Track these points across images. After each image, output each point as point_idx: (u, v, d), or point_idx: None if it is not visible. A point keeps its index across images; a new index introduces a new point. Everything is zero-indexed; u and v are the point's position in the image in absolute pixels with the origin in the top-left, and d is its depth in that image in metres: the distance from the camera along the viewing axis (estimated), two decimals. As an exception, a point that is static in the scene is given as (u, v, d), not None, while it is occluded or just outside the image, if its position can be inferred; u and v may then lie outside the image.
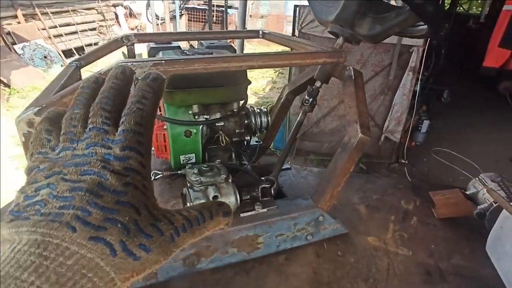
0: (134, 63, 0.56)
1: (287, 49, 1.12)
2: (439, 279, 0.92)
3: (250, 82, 0.93)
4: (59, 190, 0.23)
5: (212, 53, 0.93)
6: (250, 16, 8.63)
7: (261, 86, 6.16)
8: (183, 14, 7.11)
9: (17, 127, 0.55)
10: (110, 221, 0.23)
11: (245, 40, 3.35)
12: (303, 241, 0.98)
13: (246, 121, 1.06)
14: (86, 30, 8.21)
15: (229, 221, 0.31)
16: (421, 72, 2.86)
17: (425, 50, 2.69)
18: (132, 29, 8.38)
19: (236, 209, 0.86)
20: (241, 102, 1.01)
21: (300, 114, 1.07)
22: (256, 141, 1.26)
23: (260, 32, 1.11)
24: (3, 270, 0.19)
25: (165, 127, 0.94)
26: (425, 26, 0.88)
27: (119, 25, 8.41)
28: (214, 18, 6.40)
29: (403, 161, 3.61)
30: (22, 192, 0.24)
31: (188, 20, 7.29)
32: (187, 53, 0.92)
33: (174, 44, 1.11)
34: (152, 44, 1.07)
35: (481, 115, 4.95)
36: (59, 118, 0.27)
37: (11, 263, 0.20)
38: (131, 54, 1.04)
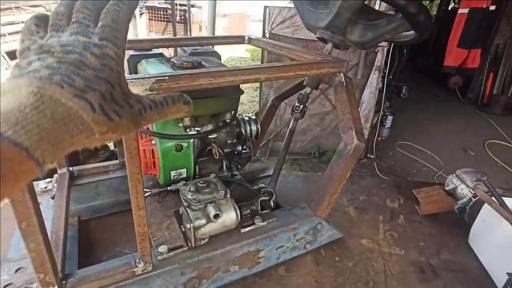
0: (133, 80, 0.50)
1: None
2: (433, 275, 0.96)
3: (242, 92, 0.90)
4: (48, 62, 0.28)
5: (200, 61, 0.88)
6: (213, 15, 8.49)
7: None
8: (143, 13, 6.79)
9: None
10: (90, 88, 0.28)
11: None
12: (301, 250, 0.97)
13: (237, 130, 1.02)
14: (18, 32, 7.53)
15: (189, 109, 0.38)
16: (387, 71, 3.00)
17: (390, 50, 2.83)
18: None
19: (236, 225, 0.82)
20: (233, 113, 0.97)
21: (292, 121, 1.06)
22: (244, 149, 1.22)
23: (246, 37, 1.07)
24: (9, 105, 0.24)
25: (153, 142, 0.87)
26: (412, 32, 0.91)
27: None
28: (178, 17, 6.19)
29: (372, 156, 3.78)
30: (16, 66, 0.29)
31: (149, 19, 6.98)
32: (175, 62, 0.86)
33: (155, 51, 1.04)
34: (131, 52, 0.99)
35: (436, 108, 5.34)
36: (46, 18, 0.33)
37: (16, 103, 0.24)
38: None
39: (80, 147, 0.29)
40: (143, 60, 0.91)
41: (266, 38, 2.58)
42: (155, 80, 0.51)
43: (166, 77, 0.52)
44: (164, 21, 7.10)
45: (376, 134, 3.64)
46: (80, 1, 0.32)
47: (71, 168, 1.04)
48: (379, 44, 2.94)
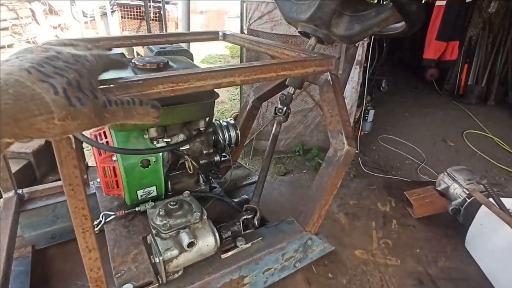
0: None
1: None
2: (432, 287, 0.88)
3: (217, 96, 0.78)
4: (24, 59, 0.32)
5: (167, 62, 0.76)
6: (189, 11, 8.23)
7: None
8: (115, 10, 6.47)
9: None
10: (57, 74, 0.32)
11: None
12: (291, 269, 0.87)
13: (214, 137, 0.90)
14: None
15: (158, 115, 0.40)
16: (368, 65, 2.96)
17: (370, 44, 2.78)
18: (55, 27, 7.40)
19: (215, 250, 0.71)
20: (207, 119, 0.85)
21: (275, 125, 0.96)
22: (224, 156, 1.11)
23: (220, 33, 0.96)
24: None
25: (114, 158, 0.75)
26: (402, 24, 0.82)
27: (38, 23, 7.35)
28: (152, 14, 5.92)
29: (356, 151, 3.74)
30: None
31: (122, 17, 6.66)
32: (136, 63, 0.73)
33: (116, 51, 0.90)
34: (85, 52, 0.85)
35: (414, 100, 5.41)
36: None
37: None
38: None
39: (40, 134, 0.30)
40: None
41: (244, 34, 2.46)
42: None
43: (112, 85, 0.39)
44: (138, 18, 6.79)
45: (360, 129, 3.62)
46: None
47: (20, 191, 0.89)
48: (359, 38, 2.89)
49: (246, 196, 1.03)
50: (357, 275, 0.91)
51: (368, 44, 2.86)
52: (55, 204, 0.94)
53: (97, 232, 0.80)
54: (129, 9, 6.90)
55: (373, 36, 2.68)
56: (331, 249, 0.96)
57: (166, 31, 6.45)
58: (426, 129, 4.50)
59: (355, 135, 3.58)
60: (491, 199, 0.92)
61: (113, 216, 0.81)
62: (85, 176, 0.97)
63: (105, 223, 0.81)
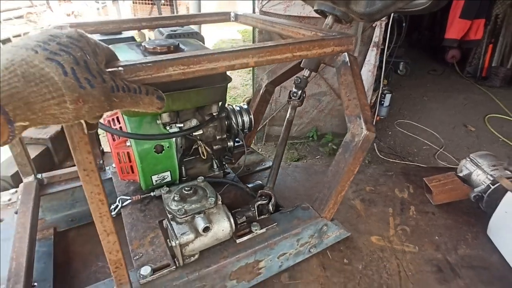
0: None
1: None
2: (452, 274, 0.86)
3: (230, 79, 0.76)
4: (28, 39, 0.32)
5: (177, 44, 0.74)
6: (200, -5, 8.09)
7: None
8: (125, -5, 6.44)
9: None
10: (64, 52, 0.31)
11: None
12: (306, 254, 0.87)
13: (226, 122, 0.89)
14: (11, 19, 7.15)
15: (162, 106, 0.40)
16: (385, 47, 2.84)
17: (389, 25, 2.66)
18: (68, 15, 7.45)
19: (231, 235, 0.71)
20: (220, 104, 0.83)
21: (289, 110, 0.93)
22: (236, 141, 1.10)
23: (232, 14, 0.92)
24: None
25: (128, 143, 0.74)
26: (425, 0, 0.77)
27: (52, 10, 7.42)
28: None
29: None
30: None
31: (133, 2, 6.63)
32: (146, 46, 0.71)
33: (126, 34, 0.89)
34: (97, 36, 0.84)
35: (433, 84, 5.20)
36: None
37: None
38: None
39: (53, 120, 0.30)
40: (110, 46, 0.76)
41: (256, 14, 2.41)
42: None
43: (120, 68, 0.38)
44: (149, 3, 6.74)
45: (376, 114, 3.52)
46: None
47: (39, 176, 0.91)
48: (377, 18, 2.77)
49: (260, 182, 1.02)
50: (373, 261, 0.90)
51: (386, 25, 2.73)
52: (73, 188, 0.95)
53: (114, 216, 0.82)
54: (140, -6, 6.84)
55: (391, 16, 2.56)
56: (346, 235, 0.95)
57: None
58: (445, 113, 4.35)
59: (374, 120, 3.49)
60: (518, 186, 0.88)
61: (129, 201, 0.82)
62: (101, 161, 0.98)
63: (122, 207, 0.82)
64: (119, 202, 0.83)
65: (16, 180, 0.99)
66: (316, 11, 0.85)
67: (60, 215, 0.97)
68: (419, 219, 1.05)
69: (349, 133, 0.79)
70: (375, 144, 3.47)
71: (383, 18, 2.69)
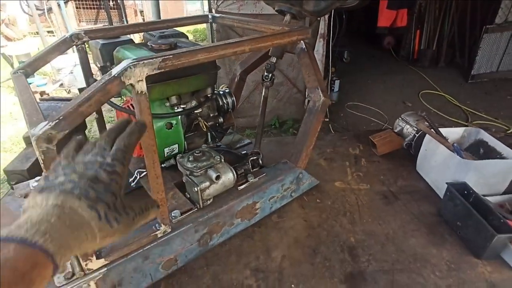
0: (145, 62, 0.57)
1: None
2: (394, 198, 1.18)
3: (219, 68, 0.99)
4: (72, 177, 0.38)
5: (176, 42, 0.94)
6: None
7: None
8: (68, 0, 6.17)
9: (36, 145, 0.52)
10: (99, 200, 0.37)
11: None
12: (288, 198, 1.13)
13: (217, 105, 1.11)
14: None
15: (158, 212, 0.50)
16: (329, 38, 3.21)
17: (331, 18, 3.02)
18: (-6, 22, 6.86)
19: (234, 184, 0.94)
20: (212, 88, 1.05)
21: (264, 90, 1.17)
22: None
23: (210, 16, 1.14)
24: (40, 216, 0.33)
25: (144, 123, 0.93)
26: (355, -1, 1.06)
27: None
28: (111, 2, 5.75)
29: (326, 120, 4.07)
30: (44, 178, 0.39)
31: (76, 7, 6.38)
32: (152, 45, 0.91)
33: (124, 38, 1.06)
34: (101, 41, 1.01)
35: (375, 68, 5.81)
36: (83, 143, 0.44)
37: (44, 214, 0.33)
38: (82, 53, 0.96)
39: (83, 251, 0.37)
40: (118, 47, 0.94)
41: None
42: (161, 59, 0.59)
43: (171, 56, 0.59)
44: (94, 8, 6.53)
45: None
46: (107, 130, 0.45)
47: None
48: (321, 13, 3.13)
49: (246, 151, 1.25)
50: (338, 198, 1.18)
51: (329, 17, 3.10)
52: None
53: (134, 186, 1.00)
54: (83, -1, 6.60)
55: (332, 10, 2.92)
56: (316, 183, 1.23)
57: (126, 19, 6.29)
58: (387, 93, 4.92)
59: (325, 104, 3.87)
60: (432, 130, 1.22)
61: (145, 172, 1.01)
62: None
63: (140, 178, 1.00)
64: (137, 174, 1.01)
65: (31, 173, 1.10)
66: (276, 10, 1.10)
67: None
68: (368, 167, 1.37)
69: (311, 101, 1.06)
70: (330, 125, 3.86)
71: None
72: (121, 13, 6.33)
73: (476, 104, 4.47)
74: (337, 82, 4.42)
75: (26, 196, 1.01)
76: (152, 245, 0.77)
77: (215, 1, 2.94)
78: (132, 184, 1.00)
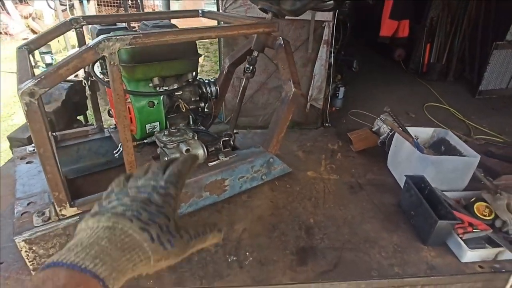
0: (117, 37, 0.68)
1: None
2: (359, 189, 1.25)
3: (200, 55, 1.10)
4: (124, 201, 0.38)
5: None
6: (167, -2, 8.30)
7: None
8: (91, -2, 6.49)
9: (20, 98, 0.63)
10: (152, 221, 0.36)
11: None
12: (259, 181, 1.21)
13: (199, 91, 1.22)
14: None
15: (220, 237, 0.44)
16: (333, 45, 3.29)
17: (334, 25, 3.11)
18: (26, 17, 7.29)
19: (204, 160, 1.04)
20: (194, 73, 1.16)
21: (244, 80, 1.28)
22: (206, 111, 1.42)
23: (200, 11, 1.26)
24: (91, 239, 0.33)
25: (128, 100, 1.05)
26: (331, 2, 1.15)
27: (8, 13, 7.21)
28: (130, 1, 6.02)
29: (327, 125, 4.13)
30: (98, 204, 0.40)
31: (98, 4, 6.69)
32: (148, 30, 1.03)
33: (120, 25, 1.19)
34: (98, 26, 1.13)
35: (383, 79, 5.84)
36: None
37: (95, 237, 0.33)
38: (80, 36, 1.09)
39: (137, 273, 0.35)
40: (111, 33, 1.07)
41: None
42: (132, 37, 0.70)
43: (141, 34, 0.71)
44: (114, 6, 6.84)
45: (328, 104, 3.97)
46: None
47: (54, 134, 1.18)
48: (325, 19, 3.22)
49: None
50: (307, 185, 1.27)
51: (333, 25, 3.19)
52: (78, 145, 1.23)
53: (117, 157, 1.12)
54: (105, -4, 6.90)
55: (336, 17, 3.01)
56: (289, 170, 1.31)
57: (145, 18, 6.52)
58: (391, 103, 4.94)
59: (326, 110, 3.94)
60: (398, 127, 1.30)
61: (128, 145, 1.12)
62: (101, 124, 1.27)
63: (120, 151, 1.12)
64: (120, 147, 1.12)
65: (30, 141, 1.24)
66: (260, 9, 1.21)
67: (68, 168, 1.24)
68: (343, 161, 1.44)
69: (284, 92, 1.15)
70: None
71: (330, 19, 3.15)
72: (139, 12, 6.60)
73: (481, 119, 4.44)
74: (341, 89, 4.48)
75: (22, 158, 1.14)
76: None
77: (224, 3, 3.08)
78: (116, 155, 1.12)
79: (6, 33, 7.05)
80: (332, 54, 3.59)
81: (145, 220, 0.36)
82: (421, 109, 4.75)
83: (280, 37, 1.16)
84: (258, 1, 1.18)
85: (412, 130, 1.32)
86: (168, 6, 2.82)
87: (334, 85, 4.43)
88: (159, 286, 0.85)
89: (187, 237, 0.39)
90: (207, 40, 8.36)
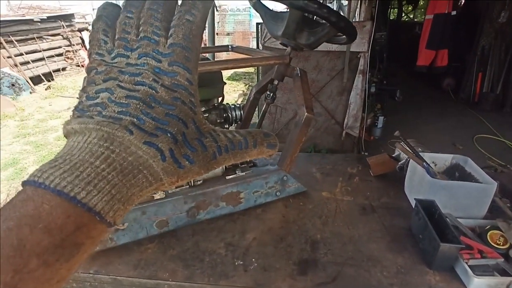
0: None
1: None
2: (371, 211, 1.28)
3: (225, 83, 1.28)
4: (117, 96, 0.26)
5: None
6: (217, 34, 9.10)
7: (233, 98, 6.57)
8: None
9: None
10: (161, 130, 0.25)
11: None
12: (273, 196, 1.32)
13: (224, 114, 1.39)
14: (53, 56, 8.26)
15: (273, 153, 0.33)
16: (368, 74, 3.35)
17: (369, 55, 3.20)
18: (101, 52, 8.52)
19: (222, 174, 1.19)
20: (220, 99, 1.34)
21: (264, 105, 1.43)
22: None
23: (230, 46, 1.47)
24: (80, 155, 0.23)
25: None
26: (344, 37, 1.28)
27: (86, 49, 8.58)
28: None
29: (364, 153, 4.07)
30: (84, 92, 0.27)
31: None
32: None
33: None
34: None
35: (428, 109, 5.62)
36: (114, 17, 0.29)
37: (86, 151, 0.23)
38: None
39: (147, 195, 0.27)
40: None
41: (249, 47, 3.01)
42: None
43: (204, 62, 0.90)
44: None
45: (364, 131, 3.93)
46: (148, 5, 0.28)
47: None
48: (361, 50, 3.32)
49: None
50: (320, 204, 1.33)
51: (369, 56, 3.27)
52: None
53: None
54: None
55: (370, 48, 3.10)
56: (303, 190, 1.39)
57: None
58: (437, 134, 4.72)
59: (363, 138, 3.91)
60: (410, 151, 1.32)
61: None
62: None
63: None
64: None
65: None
66: (280, 43, 1.37)
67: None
68: (359, 184, 1.48)
69: (298, 116, 1.27)
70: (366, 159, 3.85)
71: (365, 50, 3.24)
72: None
73: (542, 153, 4.03)
74: (381, 119, 4.44)
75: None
76: (149, 204, 1.05)
77: (263, 38, 3.36)
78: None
79: (83, 65, 8.34)
80: (373, 84, 3.63)
81: (150, 130, 0.25)
82: (471, 141, 4.46)
83: (297, 68, 1.30)
84: (279, 37, 1.35)
85: (429, 156, 1.33)
86: (213, 39, 3.17)
87: (373, 114, 4.41)
88: (173, 279, 0.98)
89: (213, 148, 0.29)
90: (252, 70, 8.87)
